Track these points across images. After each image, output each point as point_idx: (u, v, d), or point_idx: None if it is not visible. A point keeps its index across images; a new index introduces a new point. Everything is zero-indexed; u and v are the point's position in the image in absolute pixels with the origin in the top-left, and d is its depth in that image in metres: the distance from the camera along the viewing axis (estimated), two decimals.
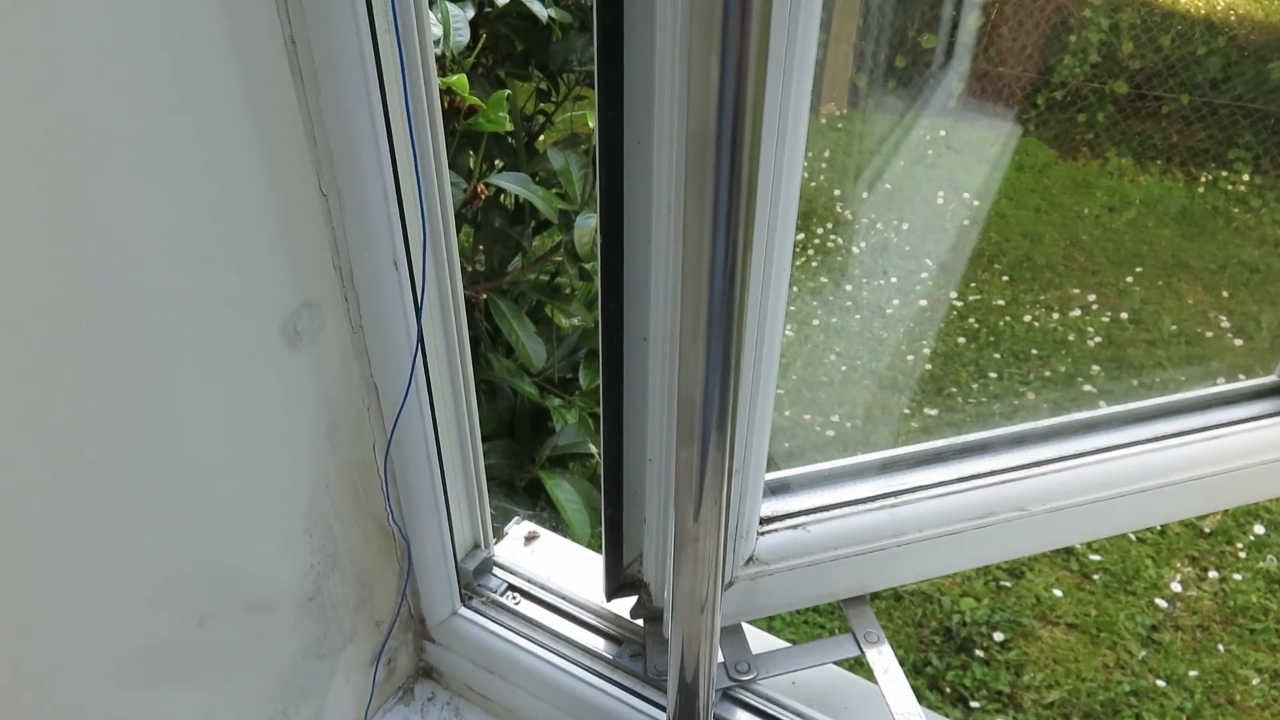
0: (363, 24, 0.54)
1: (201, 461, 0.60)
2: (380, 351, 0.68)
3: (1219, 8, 3.94)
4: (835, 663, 0.84)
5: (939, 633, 2.27)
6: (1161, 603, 2.35)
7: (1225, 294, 3.38)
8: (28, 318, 0.47)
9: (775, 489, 0.86)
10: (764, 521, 0.82)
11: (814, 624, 2.26)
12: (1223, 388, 0.96)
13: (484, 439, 2.04)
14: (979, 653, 2.21)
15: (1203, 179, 3.90)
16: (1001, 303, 3.39)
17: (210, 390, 0.58)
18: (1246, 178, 3.84)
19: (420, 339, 0.65)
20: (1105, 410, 0.93)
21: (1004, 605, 2.34)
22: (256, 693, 0.69)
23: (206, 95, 0.52)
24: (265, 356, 0.61)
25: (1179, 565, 2.47)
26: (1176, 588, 2.40)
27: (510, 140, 2.00)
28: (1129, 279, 3.45)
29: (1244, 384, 0.96)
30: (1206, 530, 2.56)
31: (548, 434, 2.03)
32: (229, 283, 0.57)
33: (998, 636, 2.24)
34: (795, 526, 0.82)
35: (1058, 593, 2.37)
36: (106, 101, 0.47)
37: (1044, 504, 0.85)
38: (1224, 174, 3.87)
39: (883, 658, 0.81)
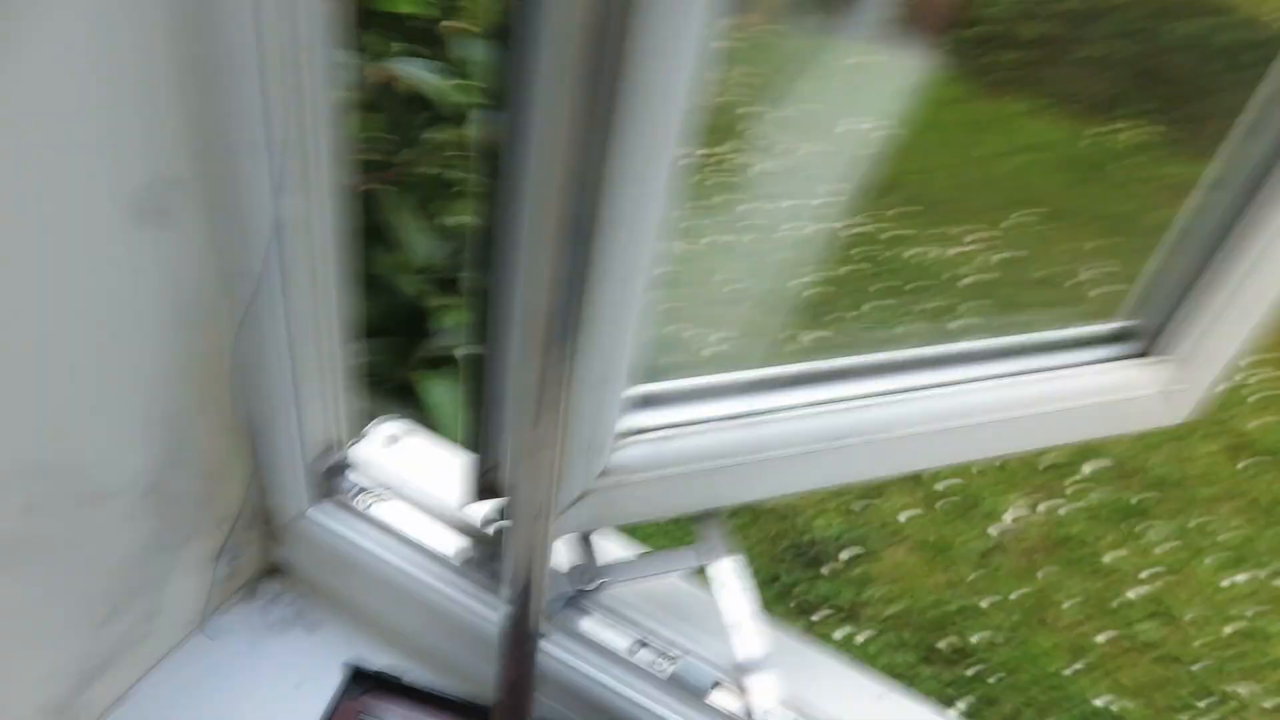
0: None
1: (31, 340, 0.56)
2: (236, 236, 0.64)
3: None
4: (685, 575, 0.87)
5: (791, 549, 2.38)
6: (993, 531, 2.52)
7: (1096, 243, 3.53)
8: None
9: (642, 402, 0.87)
10: (624, 435, 0.83)
11: (674, 535, 2.34)
12: (1071, 331, 1.01)
13: (358, 337, 1.98)
14: (825, 570, 2.33)
15: (1091, 130, 4.01)
16: (887, 235, 3.47)
17: (44, 264, 0.55)
18: (1134, 132, 3.97)
19: (279, 225, 0.62)
20: (962, 345, 0.97)
21: (855, 526, 2.47)
22: (84, 586, 0.67)
23: None
24: (110, 232, 0.57)
25: (1014, 497, 2.64)
26: (1009, 518, 2.57)
27: (410, 23, 1.90)
28: (1008, 222, 3.56)
29: (1089, 329, 1.02)
30: (1042, 467, 2.74)
31: (427, 335, 2.00)
32: (79, 144, 0.53)
33: (845, 555, 2.37)
34: (655, 440, 0.83)
35: (903, 517, 2.51)
36: None
37: (892, 431, 0.88)
38: (1115, 126, 3.99)
39: (721, 571, 0.84)
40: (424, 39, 1.90)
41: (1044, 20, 3.92)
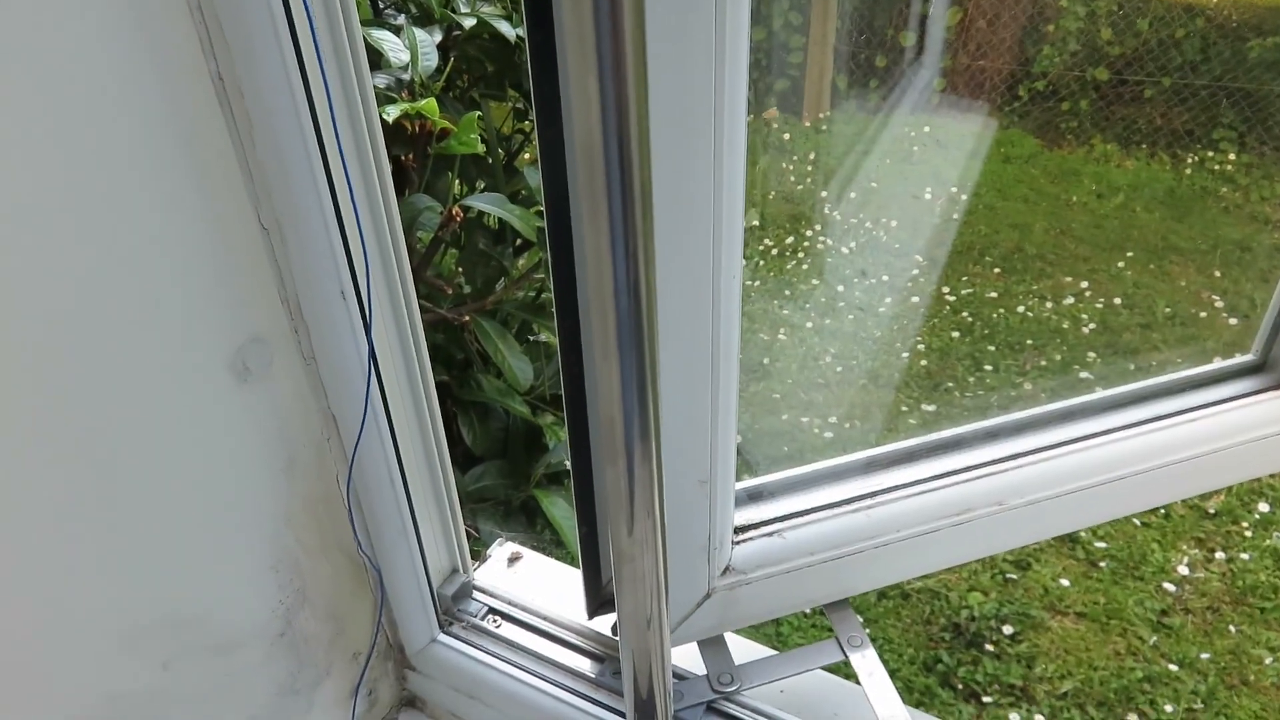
0: (289, 57, 0.54)
1: (155, 503, 0.59)
2: (334, 381, 0.67)
3: None
4: (824, 668, 0.83)
5: (948, 629, 2.26)
6: (1170, 586, 2.33)
7: (1217, 273, 3.37)
8: None
9: (752, 496, 0.85)
10: (740, 530, 0.81)
11: (822, 627, 2.25)
12: (1200, 369, 0.95)
13: (477, 461, 2.02)
14: (989, 647, 2.19)
15: (1188, 160, 3.90)
16: (994, 295, 3.39)
17: (160, 431, 0.58)
18: (1233, 156, 3.84)
19: (374, 366, 0.65)
20: (1080, 399, 0.92)
21: (1012, 598, 2.33)
22: None
23: (135, 135, 0.51)
24: (215, 393, 0.60)
25: (1185, 548, 2.45)
26: (1184, 570, 2.38)
27: (489, 160, 2.00)
28: (1120, 264, 3.45)
29: (1222, 364, 0.96)
30: (1211, 511, 2.55)
31: (542, 452, 2.03)
32: (171, 321, 0.57)
33: (1007, 630, 2.23)
34: (771, 534, 0.81)
35: (1065, 582, 2.35)
36: (35, 146, 0.47)
37: (1022, 496, 0.84)
38: (1209, 154, 3.87)
39: (867, 661, 0.80)
40: (494, 172, 1.99)
41: (1109, 62, 3.86)
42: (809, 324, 3.35)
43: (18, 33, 0.45)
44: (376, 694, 0.84)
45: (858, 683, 0.80)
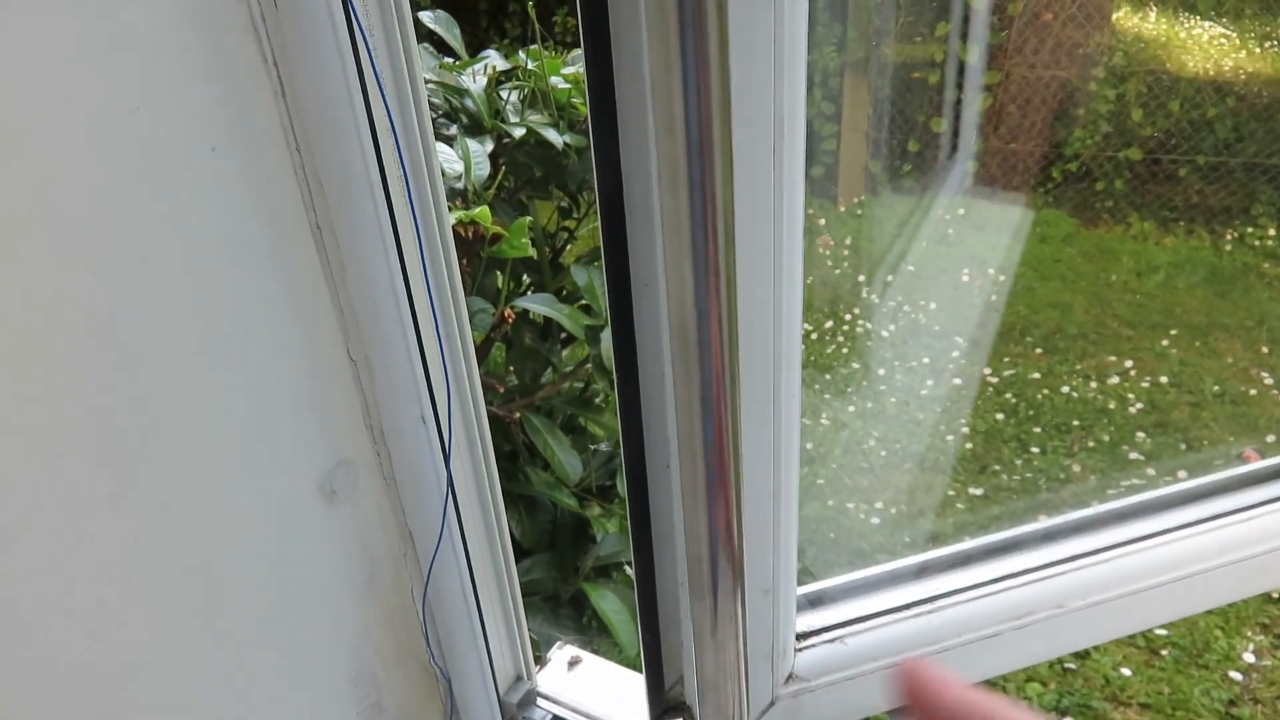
0: (381, 209, 0.58)
1: (246, 624, 0.62)
2: (413, 500, 0.71)
3: (1226, 68, 3.99)
4: None
5: None
6: (1236, 675, 2.26)
7: (1265, 350, 3.34)
8: (75, 500, 0.50)
9: (811, 601, 0.86)
10: (801, 637, 0.82)
11: None
12: (1259, 465, 0.96)
13: (526, 554, 2.03)
14: None
15: (1228, 236, 3.90)
16: (1037, 375, 3.37)
17: (253, 554, 0.61)
18: (1273, 232, 3.83)
19: (450, 485, 0.68)
20: (1136, 498, 0.93)
21: (1072, 689, 2.27)
22: None
23: (244, 282, 0.56)
24: (305, 515, 0.64)
25: (1250, 634, 2.38)
26: (1250, 658, 2.31)
27: (535, 258, 2.06)
28: (1165, 342, 3.42)
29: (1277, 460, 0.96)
30: (1276, 596, 2.48)
31: (590, 544, 2.04)
32: (268, 450, 0.61)
33: None
34: (833, 640, 0.82)
35: (1126, 672, 2.29)
36: (156, 296, 0.52)
37: (1083, 599, 0.84)
38: (1249, 230, 3.87)
39: None
40: (541, 269, 2.06)
41: (1141, 142, 3.90)
42: (851, 408, 3.35)
43: (166, 197, 0.50)
44: None
45: None
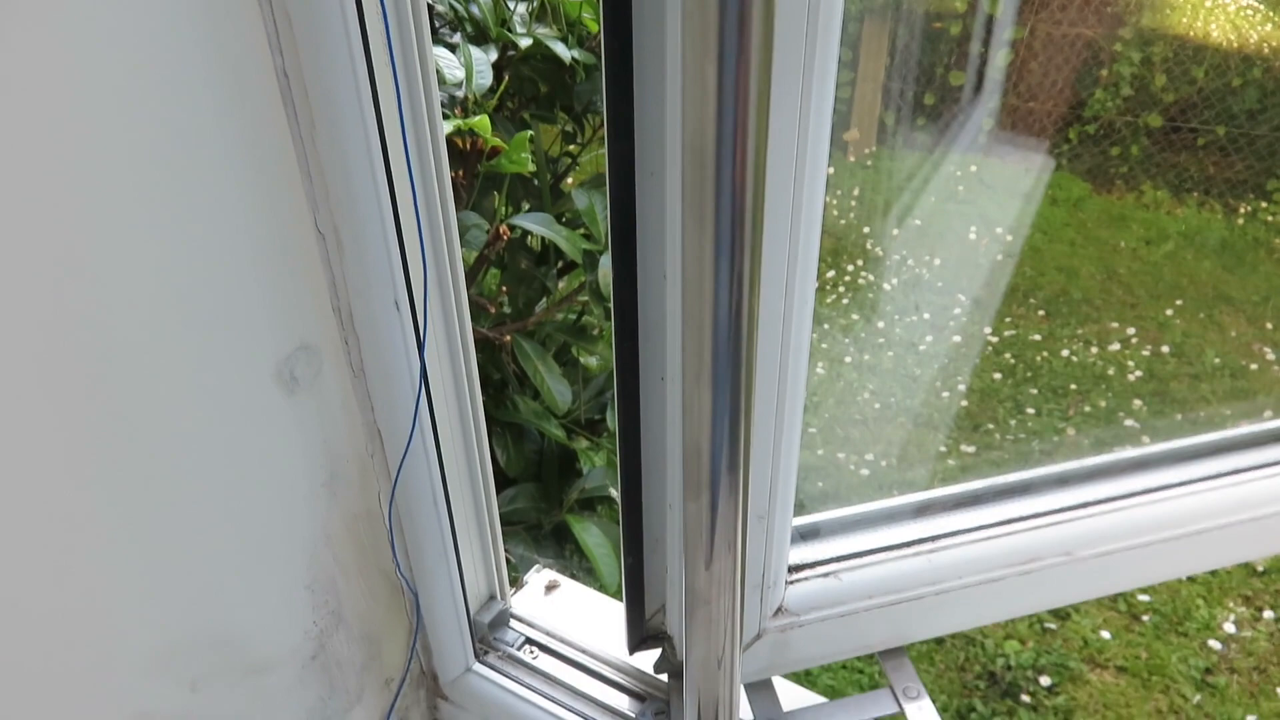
0: (358, 57, 0.51)
1: (192, 516, 0.57)
2: (383, 396, 0.65)
3: (1253, 39, 3.90)
4: None
5: (983, 677, 2.19)
6: (1215, 644, 2.26)
7: (1269, 325, 3.30)
8: (4, 367, 0.44)
9: (805, 534, 0.81)
10: (793, 570, 0.77)
11: (853, 669, 2.19)
12: (1275, 424, 0.90)
13: (510, 483, 2.00)
14: (1025, 698, 2.12)
15: (1242, 210, 3.84)
16: (1038, 338, 3.33)
17: (201, 440, 0.56)
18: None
19: (424, 382, 0.62)
20: (1154, 448, 0.87)
21: (1050, 648, 2.26)
22: None
23: (194, 128, 0.49)
24: (260, 403, 0.58)
25: (1232, 605, 2.38)
26: (1230, 629, 2.31)
27: (536, 182, 1.99)
28: (1169, 312, 3.38)
29: None
30: (1260, 569, 2.47)
31: (576, 477, 2.00)
32: (218, 325, 0.54)
33: (1044, 681, 2.16)
34: (827, 575, 0.77)
35: (1106, 635, 2.28)
36: (90, 134, 0.45)
37: (1092, 548, 0.79)
38: (1263, 205, 3.81)
39: (923, 714, 0.76)
40: (541, 195, 1.99)
41: (1163, 109, 3.82)
42: (848, 359, 3.31)
43: (85, 21, 0.43)
44: None
45: None
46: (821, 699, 0.80)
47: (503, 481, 1.97)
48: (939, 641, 2.30)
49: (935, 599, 0.77)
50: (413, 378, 0.62)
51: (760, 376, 0.61)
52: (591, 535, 1.86)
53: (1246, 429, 0.89)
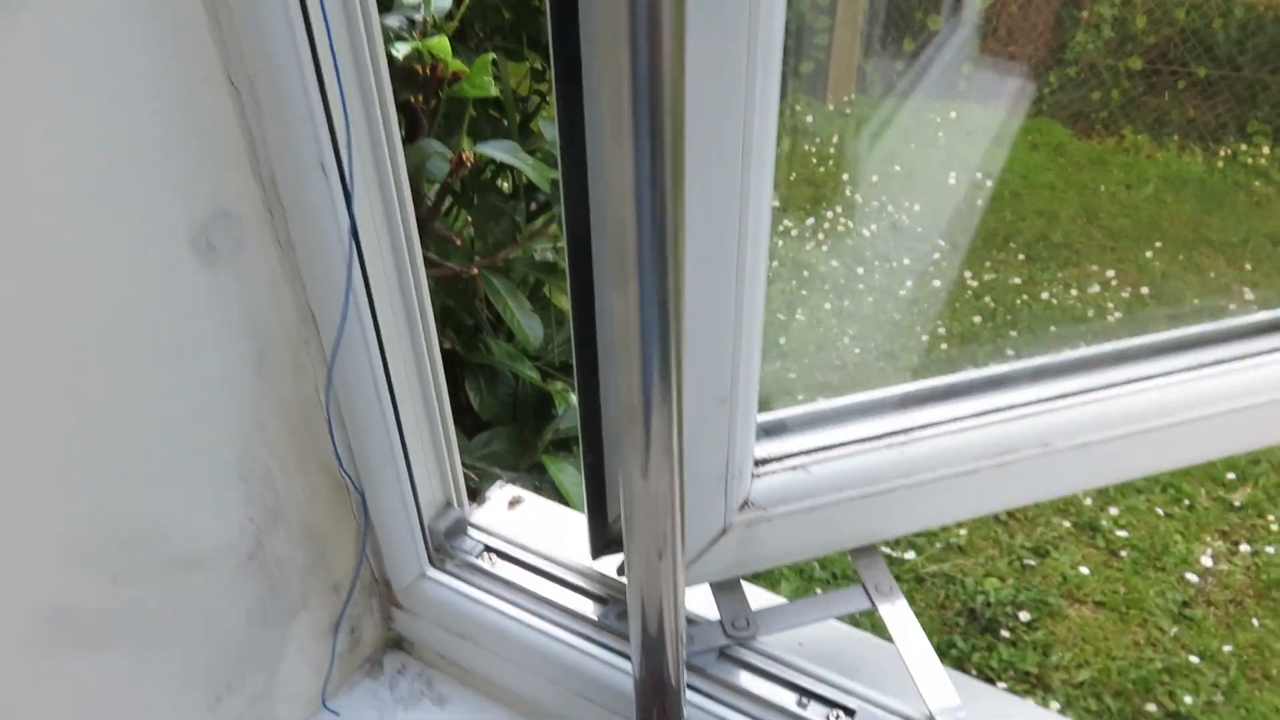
0: None
1: (104, 394, 0.52)
2: (314, 272, 0.60)
3: None
4: (846, 619, 0.76)
5: (963, 614, 2.19)
6: (1192, 578, 2.27)
7: (1249, 266, 3.29)
8: None
9: (772, 430, 0.78)
10: (759, 463, 0.74)
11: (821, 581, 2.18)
12: (1263, 315, 0.87)
13: (485, 426, 1.96)
14: (1005, 633, 2.12)
15: (1222, 153, 3.83)
16: (1018, 281, 3.32)
17: (110, 314, 0.51)
18: (1267, 150, 3.76)
19: (357, 247, 0.58)
20: (1134, 341, 0.84)
21: (1029, 584, 2.26)
22: (190, 661, 0.62)
23: None
24: (175, 273, 0.54)
25: (1209, 539, 2.38)
26: (1207, 562, 2.32)
27: (505, 122, 1.93)
28: (1149, 255, 3.37)
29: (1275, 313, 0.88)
30: (1236, 503, 2.47)
31: (552, 419, 1.97)
32: (121, 187, 0.50)
33: (1024, 616, 2.16)
34: (795, 468, 0.74)
35: (1084, 570, 2.28)
36: None
37: (1070, 439, 0.76)
38: (1243, 147, 3.80)
39: (897, 611, 0.73)
40: (510, 134, 1.94)
41: (1144, 51, 3.78)
42: (827, 305, 3.28)
43: None
44: (360, 632, 0.77)
45: (886, 638, 0.73)
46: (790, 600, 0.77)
47: (478, 426, 1.93)
48: (919, 580, 2.29)
49: (908, 492, 0.74)
50: (344, 250, 0.58)
51: (715, 252, 0.58)
52: (567, 475, 1.83)
53: (1227, 322, 0.87)
